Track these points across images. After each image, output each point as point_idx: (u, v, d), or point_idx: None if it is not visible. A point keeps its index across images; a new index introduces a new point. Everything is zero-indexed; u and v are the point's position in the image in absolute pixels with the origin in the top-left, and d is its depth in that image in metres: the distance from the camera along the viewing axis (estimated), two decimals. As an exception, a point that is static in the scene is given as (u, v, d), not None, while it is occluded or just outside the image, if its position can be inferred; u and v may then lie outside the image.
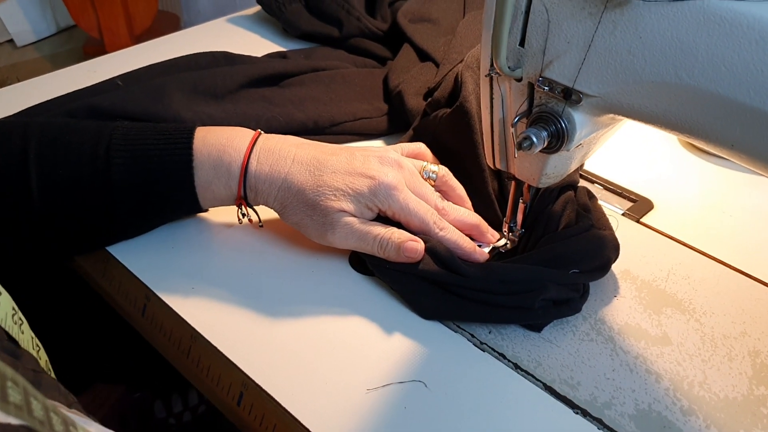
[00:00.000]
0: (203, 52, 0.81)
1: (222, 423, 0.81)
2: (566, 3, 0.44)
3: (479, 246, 0.60)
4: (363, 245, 0.57)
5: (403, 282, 0.57)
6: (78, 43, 2.30)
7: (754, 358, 0.54)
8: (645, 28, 0.41)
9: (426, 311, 0.56)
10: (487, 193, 0.64)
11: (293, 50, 0.90)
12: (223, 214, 0.65)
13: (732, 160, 0.44)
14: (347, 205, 0.56)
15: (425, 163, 0.62)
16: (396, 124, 0.78)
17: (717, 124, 0.42)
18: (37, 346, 0.42)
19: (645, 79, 0.42)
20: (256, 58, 0.84)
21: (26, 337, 0.40)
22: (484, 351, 0.54)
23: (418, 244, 0.56)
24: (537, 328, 0.56)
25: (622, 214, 0.69)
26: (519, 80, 0.49)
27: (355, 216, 0.57)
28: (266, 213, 0.62)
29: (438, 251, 0.56)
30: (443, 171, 0.62)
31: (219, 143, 0.58)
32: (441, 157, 0.67)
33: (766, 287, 0.61)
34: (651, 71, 0.42)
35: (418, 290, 0.57)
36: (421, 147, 0.66)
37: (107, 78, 0.76)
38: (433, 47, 0.82)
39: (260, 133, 0.60)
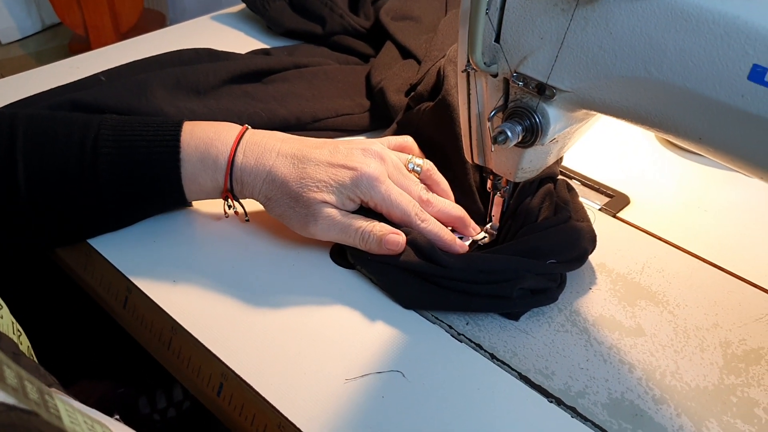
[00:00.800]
0: (187, 49, 0.82)
1: (206, 419, 0.82)
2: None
3: (460, 239, 0.61)
4: (345, 237, 0.58)
5: (383, 273, 0.58)
6: (63, 40, 2.30)
7: (725, 349, 0.56)
8: (615, 24, 0.42)
9: (406, 301, 0.57)
10: (469, 185, 0.65)
11: (277, 47, 0.91)
12: (204, 208, 0.65)
13: (701, 153, 0.45)
14: (329, 197, 0.57)
15: (410, 156, 0.63)
16: (378, 121, 0.79)
17: (685, 118, 0.43)
18: (18, 331, 0.42)
19: (616, 74, 0.43)
20: (239, 54, 0.85)
21: (5, 322, 0.40)
22: (461, 342, 0.55)
23: (400, 237, 0.57)
24: (514, 316, 0.57)
25: (599, 209, 0.70)
26: (495, 76, 0.50)
27: (337, 207, 0.58)
28: (250, 206, 0.63)
29: (419, 243, 0.57)
30: (428, 165, 0.63)
31: (206, 136, 0.59)
32: (424, 150, 0.68)
33: (738, 280, 0.62)
34: (621, 66, 0.43)
35: (398, 281, 0.58)
36: (407, 140, 0.67)
37: (91, 74, 0.76)
38: (415, 45, 0.83)
39: (247, 128, 0.61)
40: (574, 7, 0.43)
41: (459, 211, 0.62)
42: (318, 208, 0.57)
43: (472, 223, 0.63)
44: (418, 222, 0.59)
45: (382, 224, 0.58)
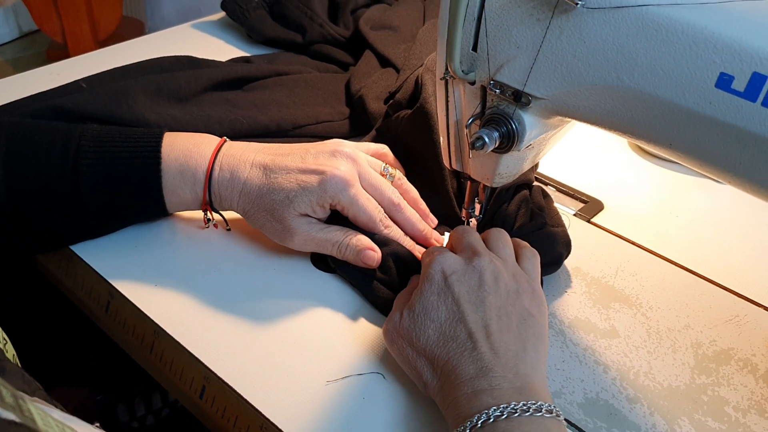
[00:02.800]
0: (168, 56, 0.82)
1: (185, 426, 0.82)
2: (516, 9, 0.46)
3: None
4: (322, 250, 0.59)
5: (363, 278, 0.59)
6: (41, 47, 2.28)
7: (696, 350, 0.57)
8: (589, 34, 0.44)
9: (385, 306, 0.58)
10: (446, 191, 0.66)
11: (257, 55, 0.91)
12: (186, 213, 0.66)
13: (671, 158, 0.47)
14: (300, 207, 0.58)
15: (384, 164, 0.64)
16: (357, 128, 0.80)
17: (656, 125, 0.44)
18: (4, 339, 0.42)
19: (589, 82, 0.45)
20: (220, 62, 0.86)
21: None
22: (440, 344, 0.55)
23: (376, 254, 0.58)
24: None
25: (574, 215, 0.72)
26: (472, 83, 0.51)
27: (311, 217, 0.59)
28: (231, 212, 0.63)
29: (399, 254, 0.59)
30: (399, 175, 0.64)
31: (186, 149, 0.59)
32: (402, 157, 0.69)
33: (709, 283, 0.64)
34: (595, 74, 0.45)
35: (377, 287, 0.59)
36: (383, 148, 0.68)
37: (71, 81, 0.76)
38: (393, 53, 0.84)
39: (225, 140, 0.62)
40: (550, 17, 0.45)
41: (423, 225, 0.63)
42: (292, 223, 0.58)
43: (434, 236, 0.64)
44: (382, 228, 0.60)
45: (359, 237, 0.59)
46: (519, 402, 0.44)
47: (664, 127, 0.44)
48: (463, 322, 0.49)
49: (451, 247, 0.56)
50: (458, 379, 0.46)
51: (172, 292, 0.58)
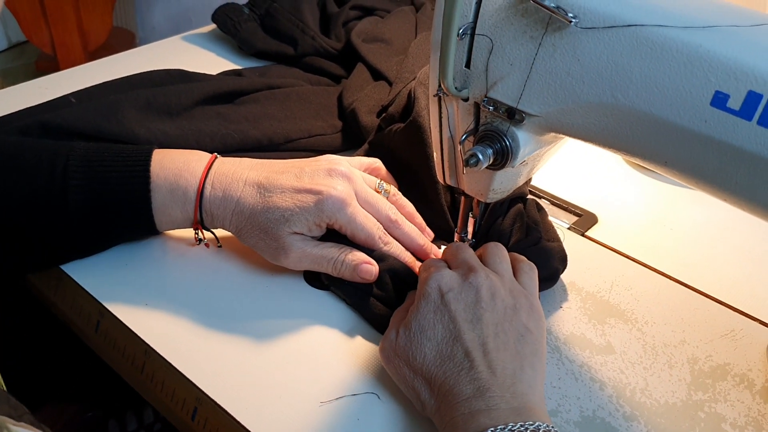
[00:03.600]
0: (158, 70, 0.81)
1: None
2: (509, 27, 0.46)
3: None
4: (317, 267, 0.59)
5: (358, 296, 0.58)
6: (30, 58, 2.27)
7: (693, 365, 0.57)
8: (583, 52, 0.43)
9: (381, 323, 0.57)
10: (440, 204, 0.66)
11: (248, 68, 0.91)
12: (179, 231, 0.65)
13: (667, 175, 0.46)
14: (296, 227, 0.57)
15: (378, 180, 0.64)
16: (350, 141, 0.79)
17: (651, 143, 0.44)
18: (-10, 363, 0.42)
19: (583, 99, 0.45)
20: (211, 76, 0.85)
21: None
22: (435, 362, 0.55)
23: (373, 268, 0.58)
24: None
25: (568, 228, 0.71)
26: (466, 100, 0.51)
27: (305, 235, 0.58)
28: (223, 230, 0.63)
29: (396, 269, 0.58)
30: (393, 190, 0.64)
31: (175, 167, 0.58)
32: (395, 170, 0.69)
33: (704, 297, 0.64)
34: (589, 92, 0.44)
35: (373, 305, 0.58)
36: (376, 162, 0.67)
37: (60, 95, 0.76)
38: (386, 66, 0.84)
39: (216, 157, 0.61)
40: (543, 35, 0.44)
41: (422, 239, 0.63)
42: (287, 241, 0.57)
43: (434, 250, 0.63)
44: (381, 245, 0.59)
45: (354, 252, 0.58)
46: (516, 423, 0.43)
47: (659, 146, 0.43)
48: (460, 341, 0.48)
49: (446, 264, 0.56)
50: (455, 399, 0.46)
51: (163, 312, 0.57)
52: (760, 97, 0.39)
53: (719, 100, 0.40)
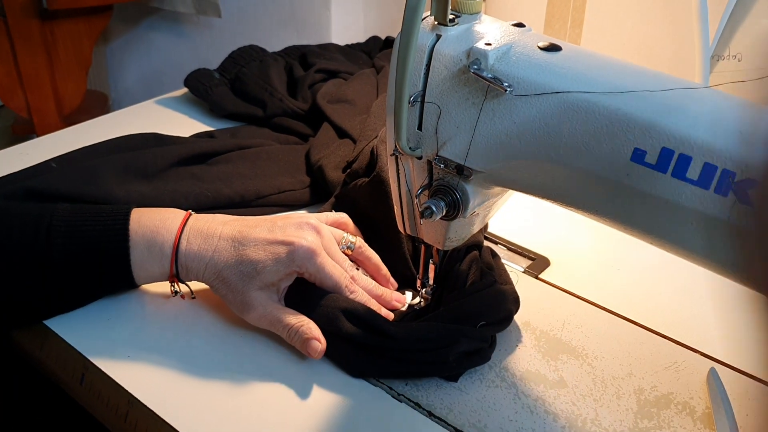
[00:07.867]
0: (134, 134, 0.86)
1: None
2: (454, 95, 0.51)
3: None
4: (274, 329, 0.62)
5: (329, 344, 0.62)
6: (6, 122, 2.29)
7: (639, 395, 0.62)
8: (518, 116, 0.49)
9: (351, 369, 0.61)
10: (402, 253, 0.70)
11: (220, 129, 0.96)
12: (156, 285, 0.69)
13: (599, 222, 0.52)
14: (268, 277, 0.61)
15: (345, 234, 0.68)
16: (318, 195, 0.84)
17: (582, 194, 0.49)
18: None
19: (521, 157, 0.50)
20: (185, 138, 0.90)
21: None
22: (401, 401, 0.59)
23: (320, 345, 0.60)
24: (453, 378, 0.61)
25: (523, 272, 0.76)
26: (420, 158, 0.56)
27: (271, 295, 0.62)
28: (199, 283, 0.67)
29: (358, 312, 0.62)
30: (360, 242, 0.69)
31: (153, 224, 0.63)
32: (360, 222, 0.74)
33: (648, 332, 0.69)
34: (525, 150, 0.50)
35: (343, 351, 0.62)
36: (343, 217, 0.72)
37: (40, 160, 0.80)
38: (350, 125, 0.89)
39: (191, 214, 0.65)
40: (483, 101, 0.50)
41: (380, 290, 0.67)
42: (252, 296, 0.61)
43: (395, 297, 0.68)
44: (348, 293, 0.64)
45: (309, 326, 0.61)
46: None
47: (590, 197, 0.49)
48: None
49: None
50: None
51: (145, 363, 0.61)
52: (672, 152, 0.45)
53: (638, 156, 0.46)
